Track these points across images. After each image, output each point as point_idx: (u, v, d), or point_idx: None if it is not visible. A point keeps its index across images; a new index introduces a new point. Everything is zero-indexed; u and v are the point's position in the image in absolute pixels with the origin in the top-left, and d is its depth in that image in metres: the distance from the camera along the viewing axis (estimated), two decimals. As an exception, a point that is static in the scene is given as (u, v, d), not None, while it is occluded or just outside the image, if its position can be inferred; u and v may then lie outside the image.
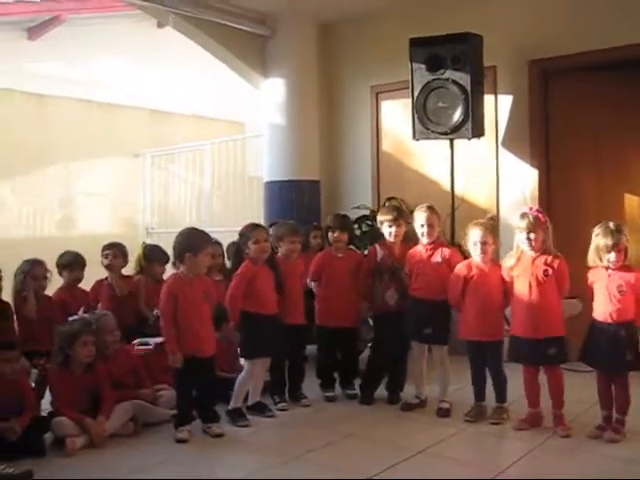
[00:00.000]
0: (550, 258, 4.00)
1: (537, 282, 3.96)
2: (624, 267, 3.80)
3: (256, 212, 6.97)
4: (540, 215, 4.03)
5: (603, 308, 3.82)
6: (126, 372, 4.26)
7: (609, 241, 3.74)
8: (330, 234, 4.83)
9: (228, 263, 4.93)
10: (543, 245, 4.01)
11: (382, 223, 4.63)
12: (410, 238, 4.62)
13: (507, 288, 4.16)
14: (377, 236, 4.86)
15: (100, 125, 8.89)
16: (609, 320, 3.78)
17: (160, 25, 8.61)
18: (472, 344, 4.26)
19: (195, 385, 4.04)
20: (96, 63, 8.97)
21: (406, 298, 4.55)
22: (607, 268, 3.80)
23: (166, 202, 8.78)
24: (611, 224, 3.81)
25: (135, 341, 4.53)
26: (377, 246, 4.72)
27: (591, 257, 3.86)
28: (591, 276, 3.91)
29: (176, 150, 8.81)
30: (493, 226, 4.32)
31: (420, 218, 4.44)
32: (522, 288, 4.02)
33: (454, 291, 4.29)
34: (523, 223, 3.99)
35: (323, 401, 4.69)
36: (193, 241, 4.04)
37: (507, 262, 4.13)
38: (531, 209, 4.15)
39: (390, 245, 4.64)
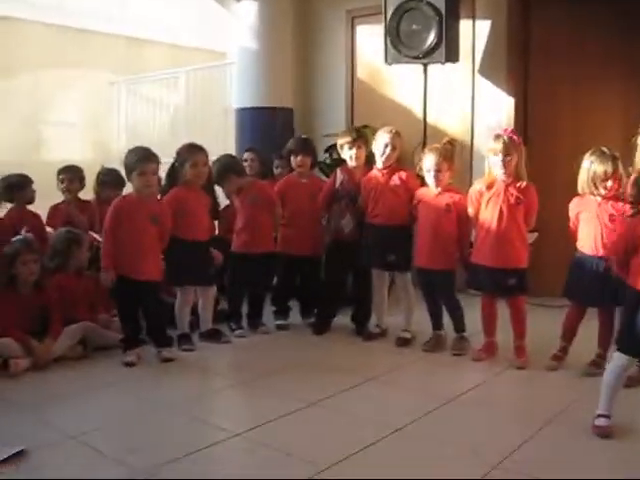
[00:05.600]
0: (523, 185, 3.81)
1: (508, 210, 3.79)
2: (613, 196, 3.58)
3: (232, 142, 6.77)
4: (515, 137, 3.82)
5: (592, 240, 3.61)
6: (85, 294, 4.20)
7: (609, 168, 3.50)
8: (292, 158, 4.67)
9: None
10: (516, 169, 3.81)
11: (342, 147, 4.45)
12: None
13: (461, 217, 4.03)
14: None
15: (73, 51, 8.62)
16: (601, 252, 3.57)
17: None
18: (421, 272, 4.18)
19: (139, 308, 3.94)
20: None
21: (361, 227, 4.41)
22: (598, 196, 3.59)
23: (140, 130, 8.57)
24: (605, 150, 3.56)
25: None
26: (338, 171, 4.56)
27: (584, 185, 3.61)
28: (577, 205, 3.70)
29: (150, 78, 8.56)
30: (449, 151, 4.10)
31: (383, 138, 4.26)
32: (490, 215, 3.85)
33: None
34: (497, 145, 3.78)
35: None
36: (129, 161, 3.88)
37: (477, 185, 3.95)
38: (505, 130, 3.94)
39: (351, 170, 4.47)
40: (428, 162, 4.05)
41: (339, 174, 4.52)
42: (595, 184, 3.57)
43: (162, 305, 4.10)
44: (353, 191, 4.43)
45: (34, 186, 4.80)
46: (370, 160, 4.52)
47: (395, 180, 4.25)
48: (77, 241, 4.24)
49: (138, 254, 3.85)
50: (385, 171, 4.28)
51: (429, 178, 4.07)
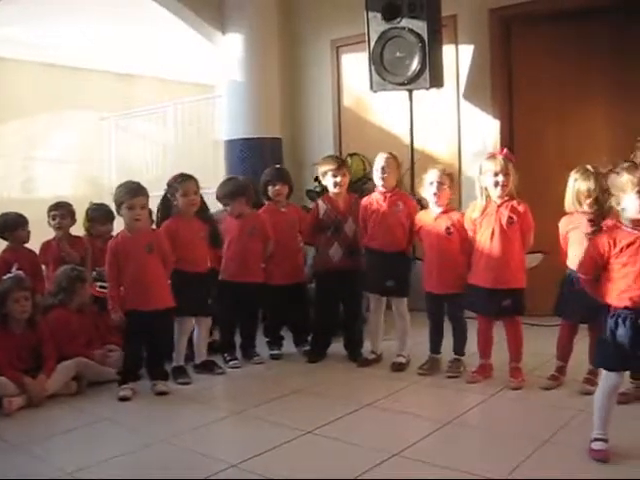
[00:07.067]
0: (515, 203, 3.83)
1: (500, 230, 3.80)
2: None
3: (222, 174, 6.80)
4: (510, 157, 3.86)
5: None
6: (84, 330, 4.23)
7: (591, 184, 3.55)
8: (270, 188, 4.67)
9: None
10: (510, 189, 3.83)
11: (325, 174, 4.46)
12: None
13: (463, 236, 4.02)
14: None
15: (63, 88, 8.70)
16: None
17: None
18: (431, 297, 4.16)
19: (144, 341, 3.95)
20: (57, 26, 8.71)
21: (351, 254, 4.43)
22: (584, 214, 3.61)
23: (131, 165, 8.61)
24: (589, 167, 3.61)
25: (96, 283, 4.46)
26: (319, 201, 4.58)
27: (569, 203, 3.67)
28: (566, 223, 3.73)
29: (139, 113, 8.61)
30: (450, 173, 4.16)
31: (379, 161, 4.27)
32: (484, 236, 3.86)
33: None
34: (492, 165, 3.79)
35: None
36: (117, 195, 3.93)
37: (472, 213, 3.95)
38: (501, 150, 3.96)
39: (333, 198, 4.50)
40: (431, 175, 4.06)
41: (321, 204, 4.54)
42: (579, 201, 3.61)
43: (171, 335, 4.12)
44: (338, 220, 4.45)
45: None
46: (351, 187, 4.56)
47: (399, 206, 4.26)
48: (81, 278, 4.28)
49: (142, 286, 3.88)
50: (388, 195, 4.28)
51: (430, 191, 4.05)
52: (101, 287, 4.41)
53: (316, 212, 4.54)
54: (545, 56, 5.51)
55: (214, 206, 5.19)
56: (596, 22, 5.29)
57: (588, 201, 3.58)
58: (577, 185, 3.62)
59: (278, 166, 4.97)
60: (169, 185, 4.21)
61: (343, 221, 4.44)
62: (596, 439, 2.83)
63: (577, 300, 3.59)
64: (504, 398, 3.68)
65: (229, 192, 4.51)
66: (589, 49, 5.36)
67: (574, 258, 3.65)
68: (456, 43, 5.66)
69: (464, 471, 2.73)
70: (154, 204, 4.35)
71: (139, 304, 3.86)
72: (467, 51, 5.66)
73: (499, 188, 3.81)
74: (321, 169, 4.51)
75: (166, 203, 4.24)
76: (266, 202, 4.78)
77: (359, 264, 4.45)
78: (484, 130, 5.59)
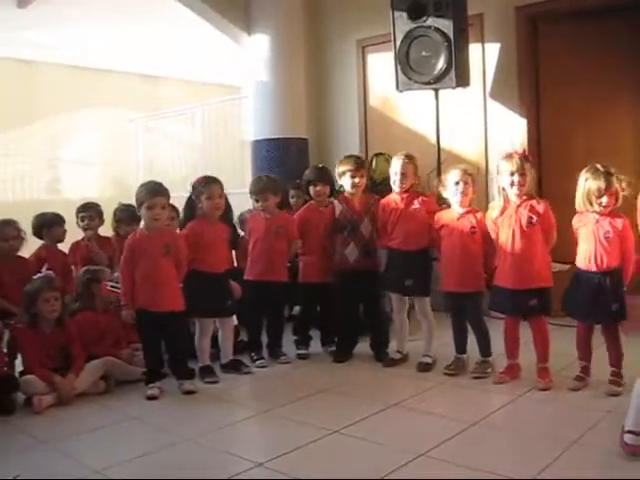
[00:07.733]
0: (535, 203, 3.82)
1: (521, 230, 3.80)
2: (611, 213, 3.61)
3: (249, 174, 6.83)
4: (527, 156, 3.86)
5: (588, 255, 3.64)
6: (111, 330, 4.27)
7: (601, 184, 3.53)
8: (312, 188, 4.68)
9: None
10: (528, 189, 3.83)
11: (343, 174, 4.46)
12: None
13: (486, 237, 4.02)
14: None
15: (92, 90, 8.81)
16: (593, 268, 3.61)
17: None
18: (450, 296, 4.15)
19: (161, 341, 3.98)
20: (82, 28, 8.84)
21: (367, 254, 4.43)
22: (595, 213, 3.61)
23: (158, 166, 8.69)
24: (599, 166, 3.59)
25: (107, 283, 4.46)
26: (335, 201, 4.58)
27: (580, 202, 3.65)
28: (577, 221, 3.73)
29: (167, 114, 8.69)
30: (471, 173, 4.14)
31: (396, 165, 4.28)
32: (505, 237, 3.86)
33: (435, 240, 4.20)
34: (509, 165, 3.79)
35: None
36: (138, 195, 3.95)
37: (492, 213, 3.96)
38: (516, 151, 3.94)
39: (349, 198, 4.50)
40: (454, 175, 4.05)
41: (337, 204, 4.54)
42: (590, 201, 3.59)
43: (185, 336, 4.13)
44: (354, 220, 4.45)
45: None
46: (377, 187, 4.56)
47: (415, 204, 4.25)
48: (97, 279, 4.31)
49: (155, 287, 3.90)
50: (405, 195, 4.28)
51: (454, 190, 4.05)
52: (112, 286, 4.42)
53: (333, 212, 4.54)
54: (569, 54, 5.46)
55: (240, 207, 5.25)
56: (615, 20, 5.24)
57: (599, 200, 3.56)
58: (588, 184, 3.60)
59: (320, 166, 4.91)
60: (194, 187, 4.23)
61: (359, 221, 4.45)
62: (629, 431, 2.79)
63: (581, 299, 3.65)
64: (531, 399, 3.65)
65: (270, 186, 4.51)
66: (611, 47, 5.30)
67: (581, 255, 3.69)
68: (482, 42, 5.63)
69: (490, 472, 2.72)
70: (181, 204, 4.39)
71: (149, 304, 3.89)
72: (493, 50, 5.63)
73: (515, 188, 3.81)
74: (339, 169, 4.50)
75: (190, 204, 4.27)
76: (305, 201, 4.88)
77: (376, 264, 4.47)
78: (511, 130, 5.54)
